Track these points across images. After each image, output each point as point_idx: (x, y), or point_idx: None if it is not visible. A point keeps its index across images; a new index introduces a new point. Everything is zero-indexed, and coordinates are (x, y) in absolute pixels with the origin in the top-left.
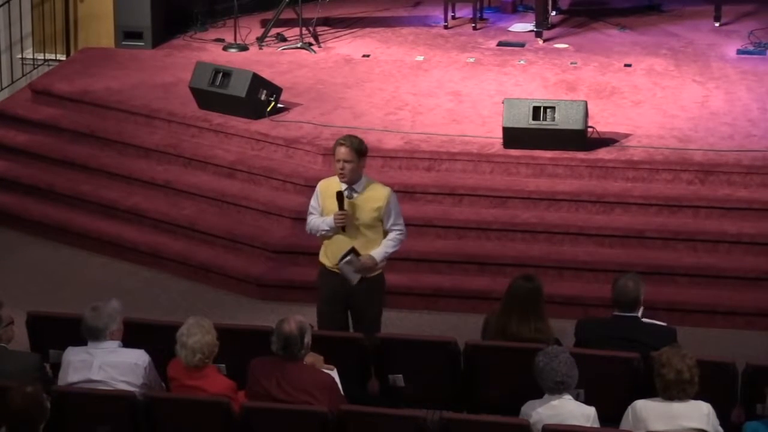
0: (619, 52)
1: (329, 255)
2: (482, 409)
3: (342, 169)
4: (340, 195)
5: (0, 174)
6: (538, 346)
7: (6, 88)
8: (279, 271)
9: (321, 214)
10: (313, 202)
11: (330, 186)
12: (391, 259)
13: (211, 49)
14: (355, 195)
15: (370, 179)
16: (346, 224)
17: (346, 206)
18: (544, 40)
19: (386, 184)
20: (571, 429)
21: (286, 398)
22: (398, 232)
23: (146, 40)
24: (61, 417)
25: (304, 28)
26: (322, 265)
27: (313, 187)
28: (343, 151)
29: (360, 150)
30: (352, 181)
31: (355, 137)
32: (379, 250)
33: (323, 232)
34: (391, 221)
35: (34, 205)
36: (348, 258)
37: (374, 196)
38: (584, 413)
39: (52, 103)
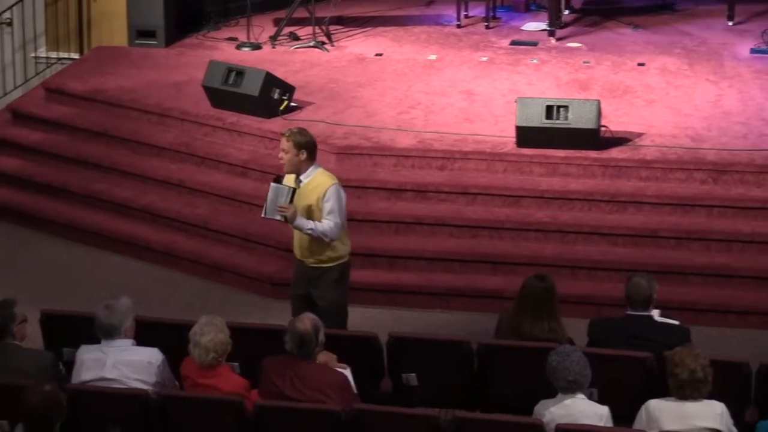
0: (632, 51)
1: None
2: (495, 409)
3: (281, 159)
4: (278, 180)
5: (14, 172)
6: (551, 345)
7: (19, 86)
8: (292, 269)
9: None
10: None
11: (289, 178)
12: (404, 257)
13: (224, 47)
14: (301, 185)
15: (321, 171)
16: (286, 215)
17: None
18: (557, 39)
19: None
20: (584, 428)
21: (299, 397)
22: (329, 222)
23: (159, 39)
24: (75, 415)
25: (317, 27)
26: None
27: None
28: (282, 143)
29: (298, 142)
30: (295, 171)
31: (299, 130)
32: (308, 220)
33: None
34: (325, 212)
35: (48, 203)
36: (279, 185)
37: (316, 186)
38: (597, 412)
39: (66, 101)
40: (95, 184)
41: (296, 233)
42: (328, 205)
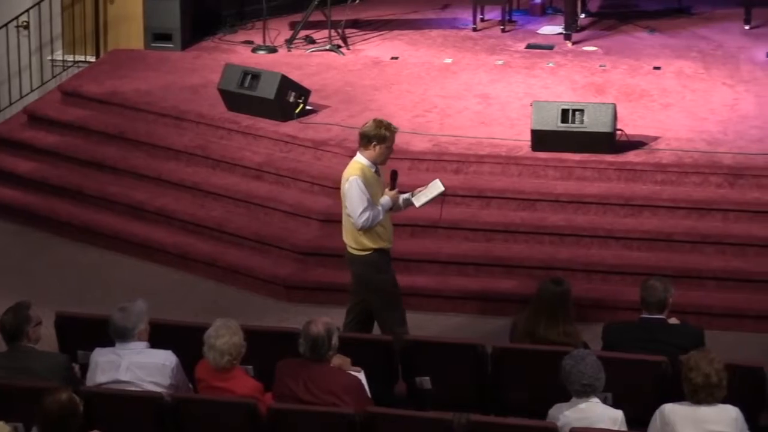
0: (648, 54)
1: (383, 236)
2: (509, 412)
3: (390, 153)
4: (394, 174)
5: (29, 175)
6: (566, 349)
7: (36, 89)
8: (306, 272)
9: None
10: (365, 195)
11: (365, 173)
12: (419, 261)
13: (240, 51)
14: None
15: None
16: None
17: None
18: (573, 43)
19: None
20: None
21: (313, 400)
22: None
23: (175, 42)
24: (89, 418)
25: (332, 31)
26: (382, 251)
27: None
28: (395, 138)
29: None
30: None
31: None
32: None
33: (382, 217)
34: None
35: (63, 205)
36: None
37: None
38: (611, 416)
39: (82, 104)
40: (110, 187)
41: (386, 224)
42: None
